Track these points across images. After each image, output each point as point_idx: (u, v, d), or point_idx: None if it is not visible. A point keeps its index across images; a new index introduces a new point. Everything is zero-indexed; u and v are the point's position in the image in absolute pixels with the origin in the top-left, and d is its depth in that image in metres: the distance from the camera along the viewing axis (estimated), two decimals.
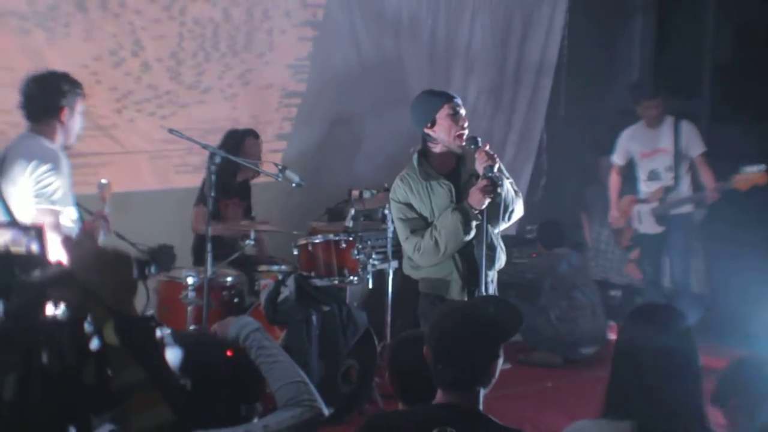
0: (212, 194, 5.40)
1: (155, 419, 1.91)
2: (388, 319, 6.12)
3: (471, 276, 4.39)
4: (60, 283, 1.95)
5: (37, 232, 2.00)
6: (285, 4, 7.23)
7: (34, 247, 2.00)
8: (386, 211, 5.81)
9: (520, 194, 4.58)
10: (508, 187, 4.39)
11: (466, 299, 4.36)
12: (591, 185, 8.54)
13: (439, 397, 2.76)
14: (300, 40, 7.41)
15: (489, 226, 4.36)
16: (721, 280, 7.64)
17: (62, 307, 1.94)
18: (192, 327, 5.40)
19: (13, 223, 2.11)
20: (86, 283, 1.97)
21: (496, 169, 4.27)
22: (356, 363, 5.68)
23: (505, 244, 4.69)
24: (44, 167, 4.05)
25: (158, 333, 2.07)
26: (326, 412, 2.58)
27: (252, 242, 5.89)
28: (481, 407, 2.77)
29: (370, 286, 6.08)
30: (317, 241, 5.91)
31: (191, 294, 5.48)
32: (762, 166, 6.45)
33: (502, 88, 8.71)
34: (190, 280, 5.50)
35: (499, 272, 4.66)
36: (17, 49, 5.95)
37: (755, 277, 6.96)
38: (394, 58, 7.96)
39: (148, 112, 6.67)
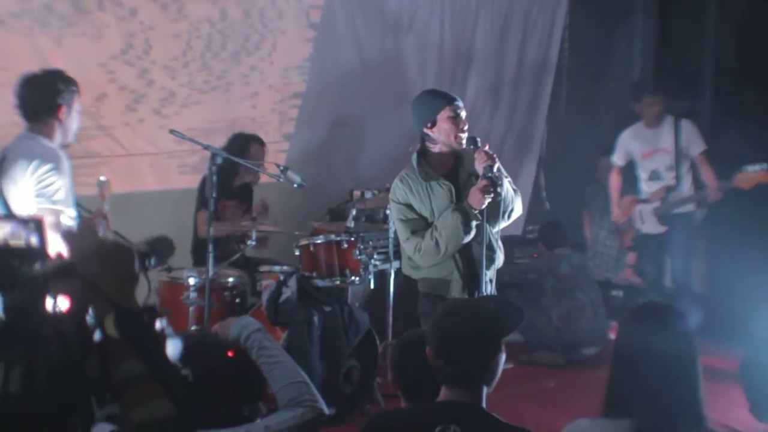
0: (213, 195, 5.40)
1: (156, 412, 1.91)
2: (390, 319, 6.13)
3: (471, 276, 4.40)
4: (61, 275, 1.95)
5: (36, 225, 2.00)
6: (285, 5, 7.22)
7: (34, 240, 2.00)
8: (388, 212, 5.81)
9: (519, 193, 4.59)
10: (507, 186, 4.39)
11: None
12: (591, 184, 8.54)
13: (443, 394, 2.77)
14: (302, 41, 7.40)
15: (488, 225, 4.37)
16: (723, 280, 7.64)
17: (63, 300, 1.93)
18: (193, 327, 5.41)
19: (12, 217, 2.10)
20: (87, 276, 1.97)
21: (495, 169, 4.28)
22: (358, 363, 5.68)
23: (507, 245, 4.70)
24: (46, 167, 4.05)
25: (158, 324, 2.07)
26: (327, 412, 2.58)
27: (253, 243, 5.89)
28: (484, 405, 2.77)
29: (372, 286, 6.08)
30: (319, 241, 5.91)
31: (193, 295, 5.49)
32: (764, 165, 6.44)
33: (502, 87, 8.71)
34: (191, 281, 5.51)
35: (501, 272, 4.67)
36: (19, 51, 5.94)
37: (756, 278, 6.96)
38: (395, 58, 7.96)
39: (148, 112, 6.67)
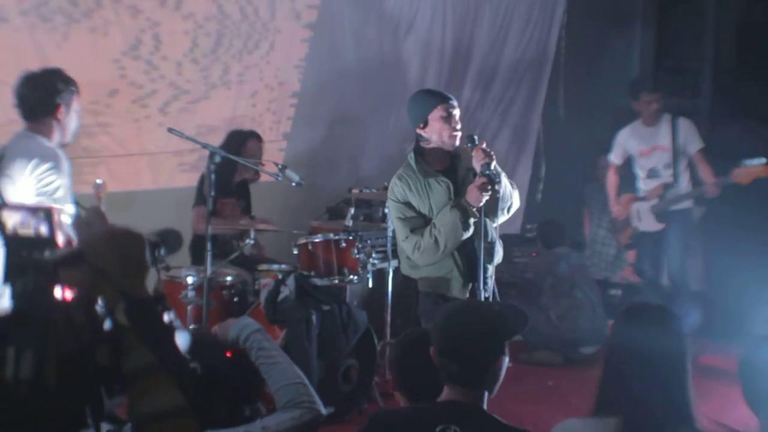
0: (212, 193, 5.40)
1: (165, 403, 1.90)
2: (388, 318, 6.13)
3: (471, 273, 4.40)
4: (70, 263, 1.94)
5: (46, 213, 1.99)
6: (282, 5, 7.21)
7: (43, 230, 1.99)
8: (386, 211, 5.82)
9: (516, 186, 4.60)
10: (505, 183, 4.40)
11: (467, 296, 4.37)
12: (590, 183, 8.54)
13: (445, 394, 2.77)
14: (300, 40, 7.40)
15: (488, 220, 4.38)
16: (720, 278, 7.64)
17: (73, 289, 1.93)
18: (192, 326, 5.40)
19: (21, 205, 2.09)
20: (97, 263, 1.95)
21: (492, 167, 4.28)
22: (356, 362, 5.68)
23: (506, 243, 4.71)
24: (45, 166, 4.05)
25: (166, 317, 2.07)
26: (325, 413, 2.58)
27: (252, 241, 5.89)
28: (485, 407, 2.78)
29: (370, 285, 6.08)
30: (317, 240, 5.91)
31: (191, 293, 5.48)
32: (762, 159, 6.44)
33: (499, 84, 8.72)
34: (189, 280, 5.50)
35: (500, 271, 4.67)
36: (22, 49, 5.92)
37: (754, 275, 6.96)
38: (393, 57, 7.96)
39: (148, 112, 6.66)
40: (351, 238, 5.89)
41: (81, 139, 4.62)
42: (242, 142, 6.33)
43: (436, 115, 4.43)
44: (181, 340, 2.23)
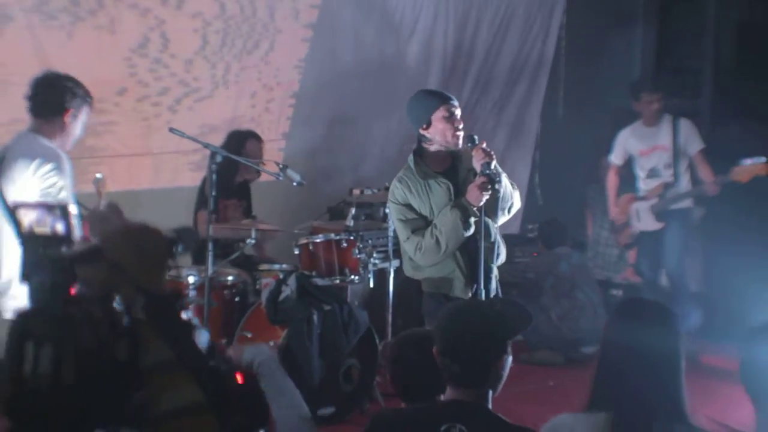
0: (213, 193, 5.40)
1: (185, 399, 1.89)
2: (390, 318, 6.12)
3: (473, 272, 4.40)
4: (87, 260, 1.93)
5: (62, 211, 1.98)
6: (283, 4, 7.21)
7: (59, 227, 1.98)
8: (387, 211, 5.81)
9: (517, 186, 4.61)
10: (505, 182, 4.40)
11: (470, 295, 4.37)
12: (592, 184, 8.54)
13: (448, 394, 2.77)
14: (301, 41, 7.39)
15: (489, 220, 4.38)
16: (721, 279, 7.64)
17: (90, 284, 1.91)
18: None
19: (37, 203, 2.08)
20: (114, 259, 1.94)
21: (493, 166, 4.29)
22: (357, 362, 5.68)
23: (507, 243, 4.70)
24: (48, 166, 4.04)
25: (183, 315, 2.06)
26: None
27: (253, 241, 5.89)
28: (490, 406, 2.78)
29: (371, 285, 6.08)
30: (318, 240, 5.91)
31: (192, 293, 5.48)
32: (762, 158, 6.45)
33: (498, 84, 8.72)
34: (191, 280, 5.51)
35: (501, 271, 4.67)
36: (25, 49, 5.92)
37: (755, 276, 6.96)
38: (393, 57, 7.95)
39: (152, 111, 6.66)
40: (352, 238, 5.89)
41: (86, 138, 4.61)
42: (242, 142, 6.31)
43: (438, 115, 4.43)
44: (202, 338, 2.22)
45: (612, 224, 7.74)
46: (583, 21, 8.96)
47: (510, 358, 2.81)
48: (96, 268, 1.93)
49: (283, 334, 5.45)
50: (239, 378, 2.60)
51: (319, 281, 5.79)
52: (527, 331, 6.72)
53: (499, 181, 4.32)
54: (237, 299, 5.87)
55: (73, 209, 4.17)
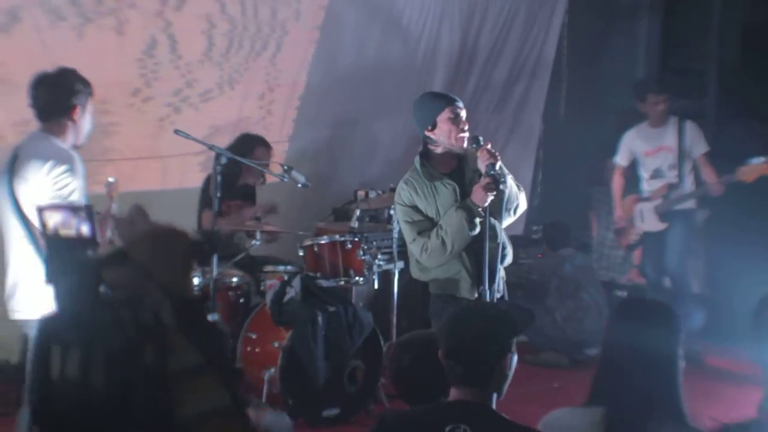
0: (217, 195, 5.40)
1: (212, 403, 1.87)
2: (394, 319, 6.13)
3: (479, 273, 4.41)
4: (115, 263, 1.91)
5: (87, 213, 1.96)
6: (288, 6, 7.21)
7: (84, 229, 1.96)
8: (392, 212, 5.82)
9: (522, 188, 4.62)
10: (510, 183, 4.42)
11: (476, 296, 4.38)
12: (597, 186, 8.53)
13: (453, 395, 2.77)
14: (308, 42, 7.40)
15: (496, 222, 4.39)
16: (726, 280, 7.63)
17: (118, 288, 1.89)
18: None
19: (62, 205, 2.05)
20: (141, 263, 1.92)
21: (497, 167, 4.30)
22: (362, 363, 5.68)
23: (511, 245, 4.71)
24: (61, 168, 4.03)
25: (209, 318, 2.04)
26: None
27: (258, 243, 5.89)
28: (494, 407, 2.79)
29: (376, 286, 6.08)
30: (323, 241, 5.92)
31: None
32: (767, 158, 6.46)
33: (501, 84, 8.72)
34: (195, 281, 5.51)
35: (506, 273, 4.68)
36: (34, 50, 5.93)
37: (759, 278, 6.94)
38: (398, 59, 7.96)
39: (159, 113, 6.66)
40: (357, 239, 5.89)
41: (97, 139, 4.60)
42: (251, 147, 6.30)
43: (443, 117, 4.45)
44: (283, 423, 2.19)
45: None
46: (585, 20, 8.95)
47: (515, 357, 2.82)
48: (123, 272, 1.91)
49: (288, 336, 5.45)
50: None
51: (324, 282, 5.79)
52: (532, 332, 6.81)
53: (504, 182, 4.33)
54: (241, 300, 5.88)
55: None
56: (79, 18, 6.10)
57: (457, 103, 4.51)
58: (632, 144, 7.20)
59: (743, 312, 7.22)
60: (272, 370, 5.37)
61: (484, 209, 4.33)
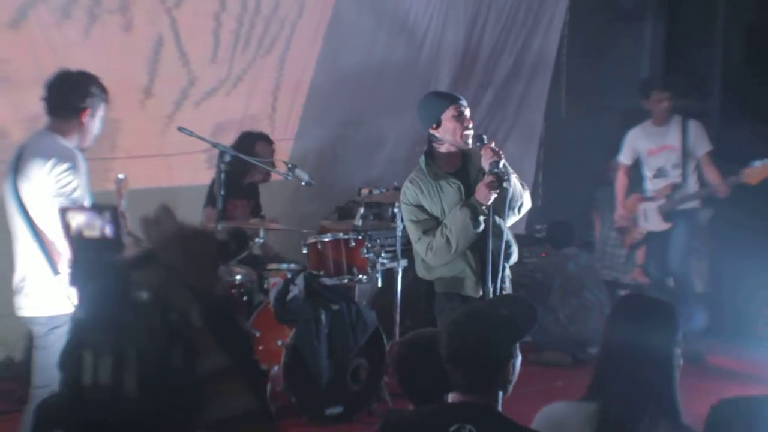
0: (222, 193, 5.41)
1: (240, 406, 1.84)
2: (397, 317, 6.12)
3: (484, 271, 4.42)
4: (142, 265, 1.89)
5: (112, 214, 1.94)
6: (294, 4, 7.21)
7: (108, 230, 1.93)
8: (396, 210, 5.82)
9: (527, 187, 4.63)
10: (514, 181, 4.43)
11: (481, 294, 4.39)
12: (601, 186, 8.53)
13: (457, 395, 2.77)
14: (314, 40, 7.40)
15: (500, 220, 4.40)
16: (730, 280, 7.64)
17: (146, 291, 1.87)
18: None
19: (87, 207, 2.02)
20: (169, 264, 1.89)
21: (501, 165, 4.31)
22: (365, 362, 5.69)
23: (516, 243, 4.72)
24: (63, 166, 4.04)
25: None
26: None
27: (261, 240, 5.89)
28: (500, 407, 2.79)
29: (380, 284, 6.09)
30: (327, 239, 5.92)
31: None
32: None
33: (502, 83, 8.72)
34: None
35: (510, 272, 4.68)
36: (41, 48, 5.93)
37: (763, 278, 6.95)
38: (405, 58, 7.96)
39: (166, 111, 6.67)
40: (360, 237, 5.90)
41: (103, 137, 4.59)
42: (252, 144, 6.32)
43: (448, 115, 4.46)
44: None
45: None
46: (587, 19, 8.94)
47: (519, 360, 2.82)
48: (152, 273, 1.89)
49: (291, 334, 5.46)
50: None
51: (327, 281, 5.80)
52: (535, 331, 6.76)
53: (508, 180, 4.34)
54: (245, 298, 5.88)
55: None
56: (85, 16, 6.11)
57: (461, 102, 4.52)
58: (636, 142, 7.20)
59: (746, 312, 7.24)
60: (275, 368, 5.38)
61: (488, 207, 4.34)
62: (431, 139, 4.54)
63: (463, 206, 4.38)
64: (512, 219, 4.54)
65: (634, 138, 7.22)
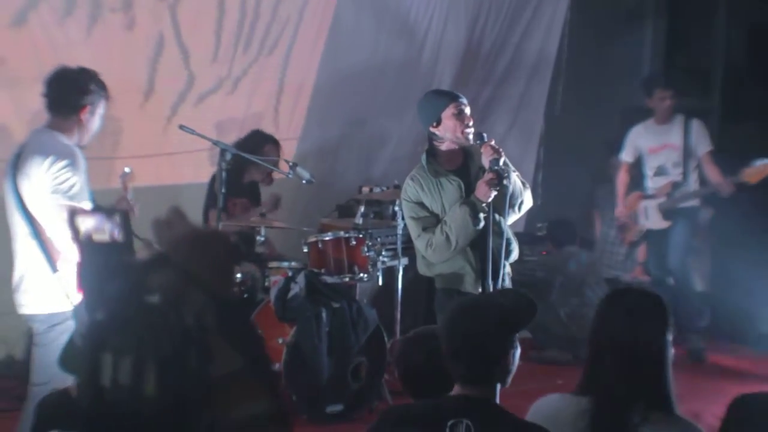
0: (222, 191, 5.41)
1: (254, 409, 1.84)
2: (398, 315, 6.13)
3: (483, 268, 4.42)
4: (156, 267, 1.88)
5: (121, 217, 1.94)
6: (296, 4, 7.21)
7: (117, 234, 1.93)
8: (396, 208, 5.82)
9: (528, 185, 4.64)
10: (515, 178, 4.43)
11: (480, 290, 4.40)
12: (601, 184, 8.53)
13: (456, 389, 2.78)
14: (315, 40, 7.40)
15: (501, 218, 4.40)
16: (730, 279, 7.64)
17: (161, 293, 1.86)
18: None
19: (96, 210, 2.01)
20: (182, 265, 1.89)
21: (501, 163, 4.32)
22: (366, 360, 5.69)
23: (517, 241, 4.72)
24: (61, 163, 4.04)
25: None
26: None
27: (262, 239, 5.89)
28: (498, 400, 2.79)
29: (380, 282, 6.09)
30: (327, 238, 5.92)
31: None
32: None
33: (502, 82, 8.71)
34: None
35: (511, 269, 4.69)
36: (42, 46, 5.93)
37: (763, 277, 6.94)
38: (406, 57, 7.96)
39: (168, 109, 6.67)
40: (361, 235, 5.90)
41: (105, 136, 4.58)
42: (260, 145, 6.30)
43: (448, 113, 4.47)
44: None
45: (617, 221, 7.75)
46: (588, 18, 8.94)
47: (518, 352, 2.82)
48: (166, 276, 1.88)
49: (292, 332, 5.46)
50: None
51: (328, 279, 5.80)
52: (536, 329, 6.80)
53: (508, 177, 4.35)
54: (245, 296, 5.88)
55: (87, 206, 4.18)
56: (87, 14, 6.11)
57: (461, 100, 4.53)
58: (638, 140, 7.21)
59: (747, 311, 7.23)
60: (276, 366, 5.38)
61: (488, 205, 4.35)
62: (432, 138, 4.55)
63: (463, 203, 4.39)
64: (513, 217, 4.55)
65: (636, 136, 7.23)
